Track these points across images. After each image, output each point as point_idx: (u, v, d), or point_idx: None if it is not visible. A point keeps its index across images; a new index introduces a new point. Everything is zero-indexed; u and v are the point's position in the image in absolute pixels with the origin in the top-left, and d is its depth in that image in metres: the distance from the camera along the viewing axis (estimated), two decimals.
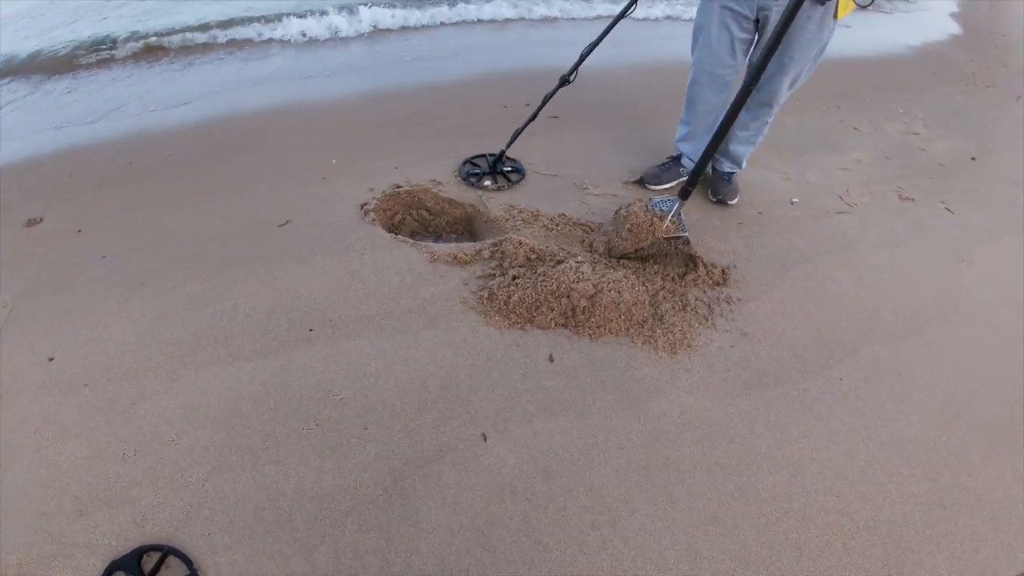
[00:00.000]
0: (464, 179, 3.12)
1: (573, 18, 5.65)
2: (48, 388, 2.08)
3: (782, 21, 2.06)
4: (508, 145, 3.08)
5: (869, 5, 2.20)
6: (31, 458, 1.87)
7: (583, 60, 2.64)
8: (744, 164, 3.07)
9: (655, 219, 2.48)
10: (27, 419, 1.98)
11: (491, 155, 3.22)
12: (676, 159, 3.17)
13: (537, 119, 2.96)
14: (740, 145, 2.96)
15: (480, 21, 5.46)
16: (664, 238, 2.48)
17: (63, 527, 1.70)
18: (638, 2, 2.56)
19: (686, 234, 2.50)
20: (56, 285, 2.49)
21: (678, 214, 2.49)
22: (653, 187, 3.14)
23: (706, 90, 2.77)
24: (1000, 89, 4.79)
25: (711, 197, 3.09)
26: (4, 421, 1.98)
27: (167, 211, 2.90)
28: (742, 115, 2.62)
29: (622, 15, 2.58)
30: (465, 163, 3.25)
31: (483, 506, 1.76)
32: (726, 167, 3.08)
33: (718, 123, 2.71)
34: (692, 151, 3.05)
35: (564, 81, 2.73)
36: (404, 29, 5.17)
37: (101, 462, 1.85)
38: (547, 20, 5.55)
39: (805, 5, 2.10)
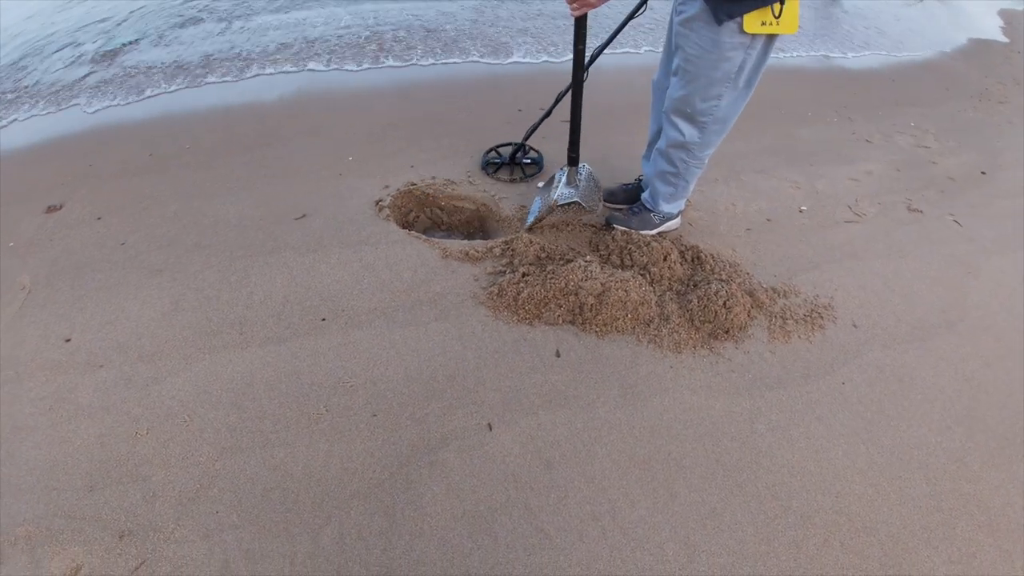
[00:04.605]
0: (482, 168, 3.21)
1: None
2: (64, 368, 2.14)
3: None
4: (526, 137, 3.15)
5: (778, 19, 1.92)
6: (45, 435, 1.93)
7: (594, 60, 2.62)
8: (661, 205, 2.68)
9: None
10: (42, 397, 2.04)
11: (515, 144, 3.28)
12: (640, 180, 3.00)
13: (551, 118, 2.99)
14: (655, 179, 2.64)
15: None
16: (557, 206, 2.67)
17: (73, 502, 1.75)
18: (647, 4, 2.42)
19: (567, 201, 2.64)
20: (74, 270, 2.55)
21: (568, 181, 2.68)
22: (607, 204, 2.99)
23: (655, 102, 2.63)
24: (1013, 105, 4.79)
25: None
26: (20, 398, 2.04)
27: (186, 201, 2.96)
28: (659, 142, 2.51)
29: (631, 17, 2.46)
30: (489, 151, 3.33)
31: (486, 493, 1.79)
32: (644, 195, 2.80)
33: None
34: (646, 169, 2.84)
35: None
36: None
37: (114, 440, 1.90)
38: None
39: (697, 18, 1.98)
